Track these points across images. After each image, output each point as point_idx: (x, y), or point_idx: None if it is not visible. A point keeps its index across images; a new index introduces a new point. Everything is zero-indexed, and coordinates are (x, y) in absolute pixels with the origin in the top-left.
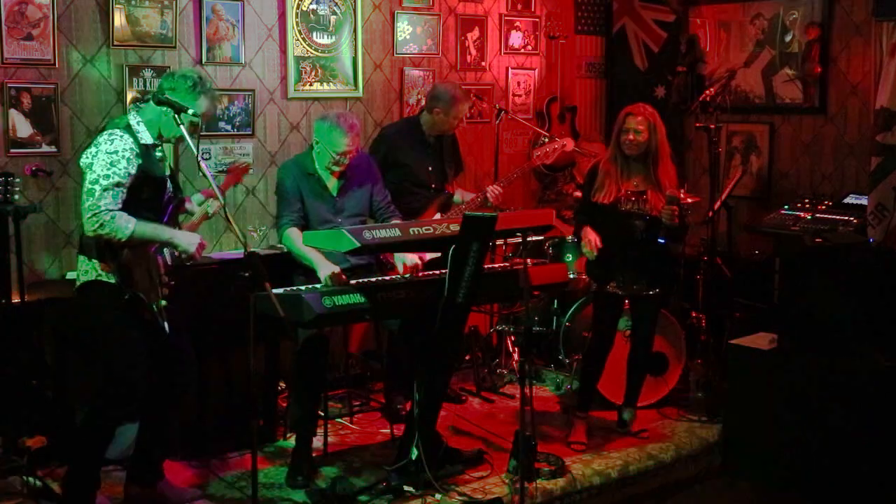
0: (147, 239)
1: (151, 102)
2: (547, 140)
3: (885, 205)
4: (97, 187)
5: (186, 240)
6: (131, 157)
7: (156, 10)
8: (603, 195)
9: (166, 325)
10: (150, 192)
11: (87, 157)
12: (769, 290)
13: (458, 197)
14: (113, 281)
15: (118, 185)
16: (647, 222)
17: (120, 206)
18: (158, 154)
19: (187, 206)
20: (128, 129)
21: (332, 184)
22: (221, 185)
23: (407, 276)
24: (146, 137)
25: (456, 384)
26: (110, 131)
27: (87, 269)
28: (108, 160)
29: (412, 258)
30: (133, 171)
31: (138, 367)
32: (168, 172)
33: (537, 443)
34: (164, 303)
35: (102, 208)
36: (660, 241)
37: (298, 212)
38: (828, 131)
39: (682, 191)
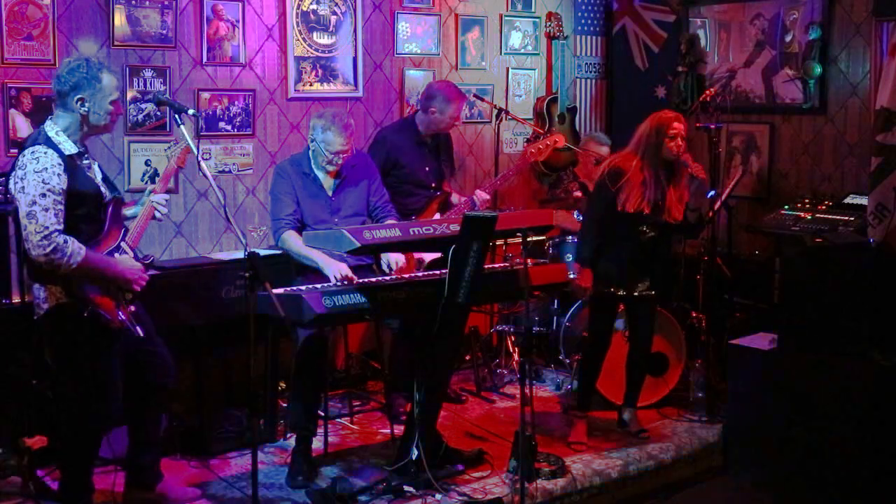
0: (91, 271)
1: (59, 109)
2: (540, 136)
3: (885, 205)
4: (37, 208)
5: (128, 274)
6: (60, 171)
7: (156, 10)
8: (634, 203)
9: (139, 329)
10: (85, 206)
11: (16, 181)
12: (769, 290)
13: (454, 198)
14: (71, 300)
15: (56, 201)
16: (658, 228)
17: (62, 223)
18: (86, 161)
19: (126, 212)
20: (48, 142)
21: (328, 183)
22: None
23: (405, 276)
24: (68, 147)
25: (456, 384)
26: (32, 148)
27: (45, 297)
28: (40, 178)
29: (398, 258)
30: (65, 186)
31: (109, 381)
32: (100, 177)
33: (537, 443)
34: (132, 308)
35: (51, 228)
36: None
37: (294, 214)
38: (828, 131)
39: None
